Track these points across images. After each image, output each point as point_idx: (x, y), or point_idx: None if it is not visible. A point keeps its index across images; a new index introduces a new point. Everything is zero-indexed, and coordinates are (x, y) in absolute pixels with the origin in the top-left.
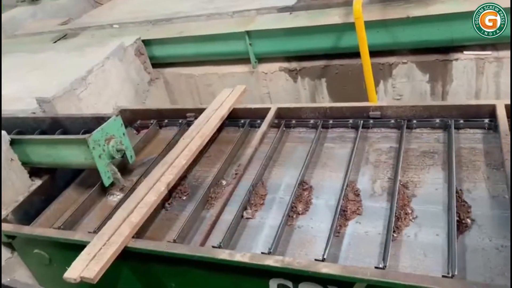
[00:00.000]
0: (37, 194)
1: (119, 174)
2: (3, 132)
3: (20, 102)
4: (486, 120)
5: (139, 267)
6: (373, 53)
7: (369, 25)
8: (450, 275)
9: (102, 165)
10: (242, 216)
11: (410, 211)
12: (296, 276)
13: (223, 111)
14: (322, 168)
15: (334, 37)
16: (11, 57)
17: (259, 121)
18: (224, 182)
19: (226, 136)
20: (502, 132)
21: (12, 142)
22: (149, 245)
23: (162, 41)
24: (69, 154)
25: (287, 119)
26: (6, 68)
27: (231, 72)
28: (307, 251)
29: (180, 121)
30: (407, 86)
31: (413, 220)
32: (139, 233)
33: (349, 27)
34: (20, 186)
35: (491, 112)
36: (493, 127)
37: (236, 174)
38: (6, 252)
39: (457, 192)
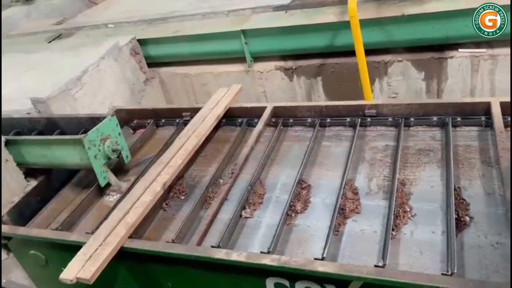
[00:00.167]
0: (33, 195)
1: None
2: None
3: (15, 103)
4: (483, 118)
5: (135, 267)
6: (369, 52)
7: (364, 23)
8: (449, 273)
9: (98, 165)
10: (241, 216)
11: (408, 209)
12: (293, 275)
13: (219, 111)
14: (319, 167)
15: (330, 35)
16: (5, 57)
17: (256, 120)
18: (221, 182)
19: (223, 135)
20: (497, 129)
21: (7, 143)
22: (145, 245)
23: (157, 40)
24: (64, 155)
25: (283, 118)
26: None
27: (226, 71)
28: (306, 250)
29: (177, 120)
30: (402, 84)
31: (411, 218)
32: (138, 234)
33: (344, 25)
34: (15, 187)
35: (486, 109)
36: (488, 124)
37: (232, 173)
38: (1, 253)
39: (455, 189)
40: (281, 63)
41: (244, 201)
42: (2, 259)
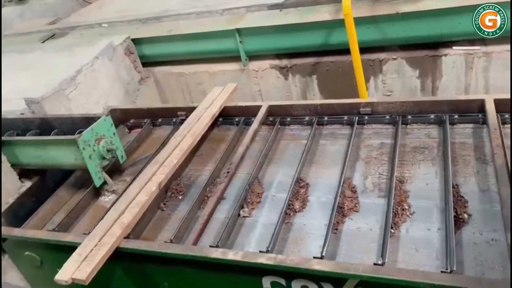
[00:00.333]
0: (27, 196)
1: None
2: None
3: (9, 103)
4: (480, 115)
5: (132, 267)
6: (363, 50)
7: (358, 21)
8: (448, 270)
9: (93, 165)
10: (239, 215)
11: (407, 207)
12: (289, 273)
13: (214, 110)
14: (316, 165)
15: (324, 34)
16: None
17: (253, 119)
18: (219, 181)
19: (221, 134)
20: (491, 126)
21: (1, 144)
22: (141, 245)
23: (152, 39)
24: (58, 155)
25: (278, 116)
26: None
27: (221, 70)
28: (305, 249)
29: (174, 120)
30: (397, 82)
31: (410, 216)
32: (135, 234)
33: (339, 23)
34: (10, 188)
35: (480, 106)
36: (483, 121)
37: (228, 172)
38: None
39: (453, 187)
40: (276, 62)
41: (242, 200)
42: None
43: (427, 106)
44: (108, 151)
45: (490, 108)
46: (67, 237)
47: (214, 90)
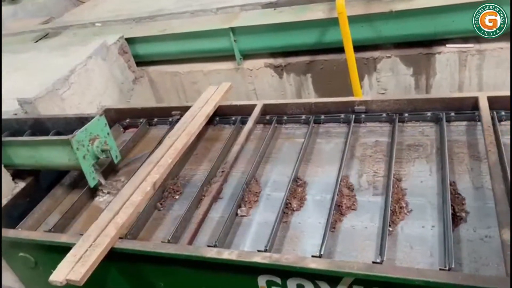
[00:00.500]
0: (21, 197)
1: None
2: None
3: (2, 104)
4: (476, 113)
5: (127, 267)
6: (358, 48)
7: (352, 19)
8: (447, 268)
9: (87, 165)
10: (237, 214)
11: (404, 205)
12: (285, 272)
13: (209, 109)
14: (312, 164)
15: (319, 32)
16: None
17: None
18: (213, 180)
19: (217, 133)
20: (485, 123)
21: (1, 144)
22: (136, 245)
23: (145, 39)
24: (52, 156)
25: (272, 115)
26: None
27: (216, 69)
28: (303, 248)
29: (170, 119)
30: (391, 80)
31: (408, 214)
32: (132, 234)
33: (333, 22)
34: (3, 189)
35: (473, 104)
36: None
37: (222, 171)
38: None
39: (450, 184)
40: (270, 61)
41: (240, 200)
42: None
43: (421, 104)
44: (102, 151)
45: (484, 105)
46: (61, 238)
47: (208, 89)
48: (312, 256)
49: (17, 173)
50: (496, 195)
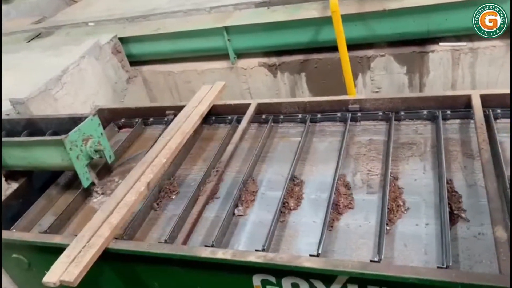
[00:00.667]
0: (14, 198)
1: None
2: None
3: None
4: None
5: (121, 268)
6: (351, 47)
7: (346, 18)
8: (444, 266)
9: (80, 166)
10: (234, 214)
11: (401, 203)
12: (279, 271)
13: (203, 108)
14: (307, 163)
15: (312, 31)
16: None
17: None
18: (208, 180)
19: (213, 133)
20: (477, 121)
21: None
22: (130, 246)
23: (139, 38)
24: (45, 156)
25: (269, 114)
26: None
27: (210, 68)
28: (300, 247)
29: (165, 119)
30: (385, 78)
31: (405, 212)
32: (129, 234)
33: (327, 21)
34: None
35: (466, 102)
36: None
37: (217, 171)
38: None
39: (447, 182)
40: (264, 60)
41: (237, 199)
42: None
43: (415, 102)
44: (96, 151)
45: (477, 103)
46: (55, 239)
47: (202, 88)
48: (310, 255)
49: (10, 174)
50: (489, 193)
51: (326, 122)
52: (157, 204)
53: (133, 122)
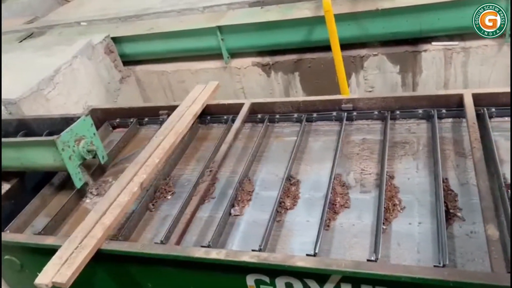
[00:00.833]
0: (6, 199)
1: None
2: None
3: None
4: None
5: (114, 268)
6: (344, 46)
7: (339, 18)
8: (441, 264)
9: (73, 166)
10: (230, 214)
11: (397, 202)
12: (273, 271)
13: (196, 108)
14: (302, 162)
15: (306, 30)
16: None
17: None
18: (201, 180)
19: (208, 133)
20: (469, 120)
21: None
22: (123, 246)
23: (132, 38)
24: (37, 157)
25: (264, 114)
26: None
27: (204, 68)
28: (297, 247)
29: (161, 118)
30: (378, 78)
31: (401, 211)
32: (124, 235)
33: (320, 20)
34: None
35: (459, 101)
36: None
37: (210, 171)
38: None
39: (443, 181)
40: (258, 59)
41: (233, 199)
42: None
43: (407, 101)
44: (89, 151)
45: (469, 102)
46: (47, 240)
47: (196, 88)
48: (307, 255)
49: (2, 175)
50: (481, 191)
51: (320, 122)
52: (153, 205)
53: (128, 122)
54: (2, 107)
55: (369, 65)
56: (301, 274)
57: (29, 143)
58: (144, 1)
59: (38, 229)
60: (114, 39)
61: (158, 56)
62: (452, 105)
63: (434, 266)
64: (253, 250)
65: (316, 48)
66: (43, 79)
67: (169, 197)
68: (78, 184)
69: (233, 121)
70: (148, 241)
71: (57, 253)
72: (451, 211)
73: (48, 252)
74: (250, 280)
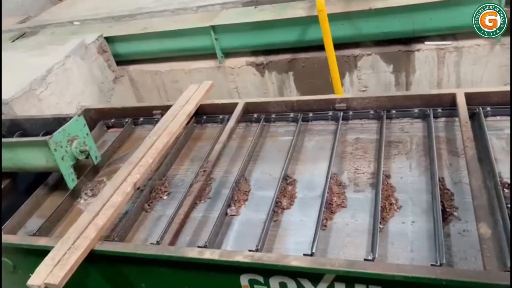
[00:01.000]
0: None
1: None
2: None
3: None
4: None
5: (108, 269)
6: (338, 46)
7: (332, 17)
8: (438, 263)
9: (65, 167)
10: (227, 214)
11: (394, 201)
12: (267, 270)
13: (190, 108)
14: (300, 162)
15: (299, 30)
16: None
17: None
18: (195, 180)
19: (204, 132)
20: (462, 119)
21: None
22: (116, 247)
23: (125, 38)
24: (30, 157)
25: (261, 113)
26: None
27: (198, 67)
28: (294, 247)
29: (156, 118)
30: (372, 77)
31: (398, 210)
32: (120, 236)
33: (314, 20)
34: None
35: (451, 100)
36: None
37: (204, 171)
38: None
39: (439, 180)
40: (252, 59)
41: (230, 199)
42: None
43: (401, 101)
44: (81, 152)
45: (461, 101)
46: (40, 241)
47: (189, 88)
48: (304, 255)
49: None
50: (473, 190)
51: (314, 121)
52: (148, 205)
53: (122, 122)
54: None
55: (363, 65)
56: (295, 273)
57: (21, 144)
58: (137, 0)
59: (31, 230)
60: (108, 39)
61: (151, 56)
62: (445, 105)
63: (432, 265)
64: (250, 250)
65: (310, 48)
66: (35, 79)
67: (165, 197)
68: (71, 185)
69: (228, 121)
70: (143, 242)
71: (49, 254)
72: (447, 210)
73: (41, 253)
74: (244, 280)
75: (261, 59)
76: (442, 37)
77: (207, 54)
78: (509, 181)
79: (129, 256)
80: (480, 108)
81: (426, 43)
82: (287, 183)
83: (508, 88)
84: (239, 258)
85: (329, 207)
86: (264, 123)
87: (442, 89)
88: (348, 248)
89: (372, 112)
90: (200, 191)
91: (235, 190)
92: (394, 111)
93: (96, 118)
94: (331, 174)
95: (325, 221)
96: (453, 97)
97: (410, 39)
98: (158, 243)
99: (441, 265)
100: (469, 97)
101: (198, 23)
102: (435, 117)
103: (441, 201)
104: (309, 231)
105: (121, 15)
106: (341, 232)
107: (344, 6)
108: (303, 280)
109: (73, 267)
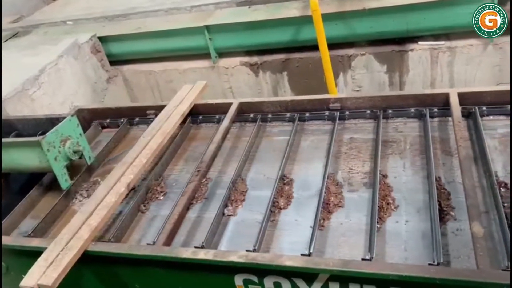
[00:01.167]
0: None
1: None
2: None
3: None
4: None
5: (102, 270)
6: (332, 46)
7: (326, 17)
8: (435, 263)
9: (59, 167)
10: (224, 214)
11: (391, 201)
12: (261, 270)
13: (184, 108)
14: (295, 162)
15: (293, 30)
16: None
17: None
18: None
19: (200, 132)
20: (455, 119)
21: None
22: (110, 248)
23: (119, 37)
24: (23, 158)
25: (257, 113)
26: None
27: (191, 67)
28: (291, 247)
29: (150, 118)
30: (366, 77)
31: (395, 210)
32: (116, 237)
33: (308, 20)
34: None
35: (445, 100)
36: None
37: (198, 171)
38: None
39: (436, 179)
40: (246, 59)
41: (226, 199)
42: None
43: (394, 100)
44: (75, 152)
45: (454, 101)
46: (32, 242)
47: (183, 88)
48: (302, 255)
49: None
50: (466, 189)
51: (309, 121)
52: (144, 206)
53: (117, 122)
54: None
55: (357, 65)
56: (289, 273)
57: (13, 144)
58: (131, 0)
59: (25, 231)
60: (101, 39)
61: (145, 56)
62: (438, 104)
63: (429, 264)
64: (247, 251)
65: (304, 48)
66: (27, 79)
67: (161, 197)
68: (64, 185)
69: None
70: (138, 243)
71: (42, 255)
72: (444, 209)
73: (34, 254)
74: (238, 280)
75: (255, 59)
76: (436, 37)
77: (201, 54)
78: (505, 180)
79: (123, 257)
80: (476, 107)
81: (419, 43)
82: (284, 183)
83: (500, 87)
84: (233, 258)
85: (326, 207)
86: (263, 123)
87: (436, 89)
88: (342, 248)
89: (368, 111)
90: (195, 191)
91: (232, 190)
92: (390, 111)
93: (90, 118)
94: (328, 173)
95: (322, 221)
96: (446, 96)
97: (404, 39)
98: (155, 243)
99: (438, 264)
100: (462, 96)
101: (192, 23)
102: (429, 116)
103: (438, 201)
104: (307, 231)
105: (114, 15)
106: (336, 231)
107: (338, 6)
108: (297, 280)
109: (66, 268)
